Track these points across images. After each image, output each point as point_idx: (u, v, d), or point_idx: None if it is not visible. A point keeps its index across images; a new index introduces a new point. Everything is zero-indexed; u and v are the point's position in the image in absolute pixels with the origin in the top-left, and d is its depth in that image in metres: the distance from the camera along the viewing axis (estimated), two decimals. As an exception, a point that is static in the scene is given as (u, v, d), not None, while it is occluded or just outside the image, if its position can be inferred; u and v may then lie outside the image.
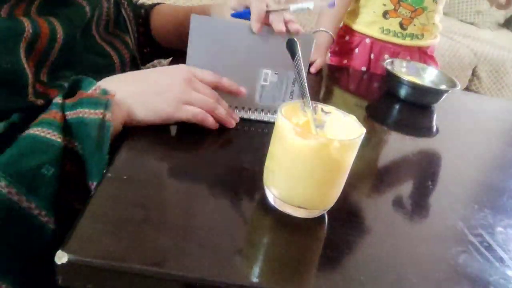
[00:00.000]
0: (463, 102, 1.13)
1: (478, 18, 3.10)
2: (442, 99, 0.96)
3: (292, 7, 0.73)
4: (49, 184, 0.49)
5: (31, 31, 0.55)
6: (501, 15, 3.12)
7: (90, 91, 0.56)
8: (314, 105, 0.53)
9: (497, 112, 1.15)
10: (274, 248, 0.47)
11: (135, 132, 0.60)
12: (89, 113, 0.53)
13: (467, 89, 2.68)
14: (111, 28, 0.76)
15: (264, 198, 0.52)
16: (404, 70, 1.05)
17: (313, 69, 1.07)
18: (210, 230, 0.46)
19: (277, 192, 0.50)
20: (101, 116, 0.53)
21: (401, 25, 1.24)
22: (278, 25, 0.67)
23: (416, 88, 0.96)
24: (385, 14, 1.23)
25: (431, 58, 1.34)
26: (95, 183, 0.51)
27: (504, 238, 0.56)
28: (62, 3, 0.62)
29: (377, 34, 1.26)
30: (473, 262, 0.50)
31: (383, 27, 1.25)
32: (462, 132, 0.93)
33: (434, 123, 0.93)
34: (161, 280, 0.40)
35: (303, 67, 0.55)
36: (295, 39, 0.57)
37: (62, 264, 0.38)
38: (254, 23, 0.67)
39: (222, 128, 0.66)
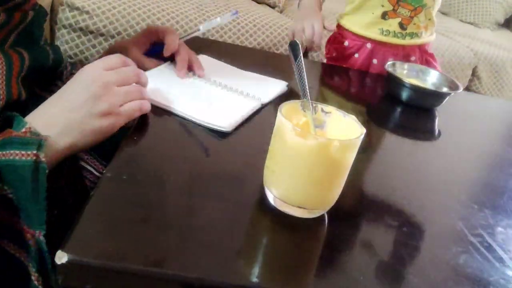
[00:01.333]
0: (463, 103, 1.13)
1: (478, 18, 3.10)
2: (444, 101, 0.96)
3: (202, 26, 0.79)
4: None
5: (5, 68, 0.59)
6: (501, 15, 3.12)
7: (23, 130, 0.52)
8: (314, 105, 0.53)
9: (497, 112, 1.15)
10: (274, 248, 0.47)
11: (135, 132, 0.60)
12: (20, 155, 0.49)
13: (467, 89, 2.68)
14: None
15: (264, 198, 0.52)
16: (405, 72, 1.05)
17: (331, 28, 1.06)
18: (210, 230, 0.46)
19: (277, 192, 0.50)
20: (34, 158, 0.48)
21: (401, 25, 1.22)
22: (180, 66, 0.76)
23: (418, 91, 0.95)
24: (384, 15, 1.21)
25: (431, 56, 1.32)
26: (37, 232, 0.47)
27: (504, 238, 0.56)
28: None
29: (375, 35, 1.23)
30: (473, 262, 0.50)
31: (382, 28, 1.22)
32: (463, 133, 0.93)
33: (436, 125, 0.93)
34: (161, 280, 0.40)
35: (304, 68, 0.56)
36: (297, 42, 0.57)
37: (62, 264, 0.38)
38: (179, 72, 0.76)
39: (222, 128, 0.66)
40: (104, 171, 0.51)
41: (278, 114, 0.48)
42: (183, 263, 0.41)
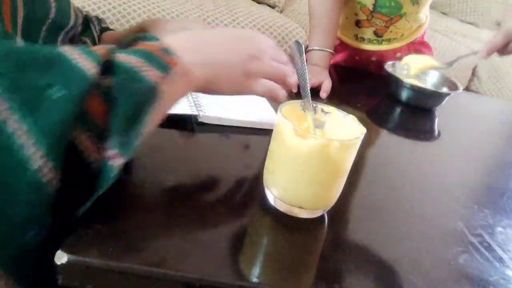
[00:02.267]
0: (463, 103, 1.13)
1: (478, 18, 3.10)
2: (444, 102, 0.96)
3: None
4: (55, 110, 0.35)
5: None
6: (501, 15, 3.12)
7: (152, 42, 0.45)
8: (314, 105, 0.53)
9: (497, 113, 1.15)
10: (274, 248, 0.47)
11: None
12: (144, 68, 0.41)
13: (467, 89, 2.68)
14: (76, 40, 0.73)
15: (264, 198, 0.52)
16: (405, 72, 1.05)
17: (323, 94, 0.91)
18: (210, 230, 0.46)
19: (277, 192, 0.50)
20: (155, 80, 0.41)
21: (376, 34, 1.14)
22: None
23: (417, 91, 0.95)
24: (357, 23, 1.14)
25: (422, 44, 1.21)
26: (112, 153, 0.39)
27: (504, 238, 0.56)
28: None
29: (351, 40, 1.17)
30: (473, 262, 0.50)
31: (357, 35, 1.16)
32: (462, 132, 0.93)
33: (435, 125, 0.93)
34: (161, 280, 0.40)
35: (305, 69, 0.56)
36: (300, 42, 0.57)
37: (62, 264, 0.38)
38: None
39: (223, 128, 0.66)
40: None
41: (278, 114, 0.48)
42: (183, 263, 0.41)
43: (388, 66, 1.02)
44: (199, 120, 0.65)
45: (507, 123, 1.09)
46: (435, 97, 0.96)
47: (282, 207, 0.50)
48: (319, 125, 0.53)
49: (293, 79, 0.58)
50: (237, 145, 0.64)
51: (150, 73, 0.41)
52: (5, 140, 0.34)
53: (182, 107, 0.66)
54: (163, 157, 0.58)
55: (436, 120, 0.94)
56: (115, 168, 0.39)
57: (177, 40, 0.48)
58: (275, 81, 0.57)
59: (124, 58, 0.41)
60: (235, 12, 2.10)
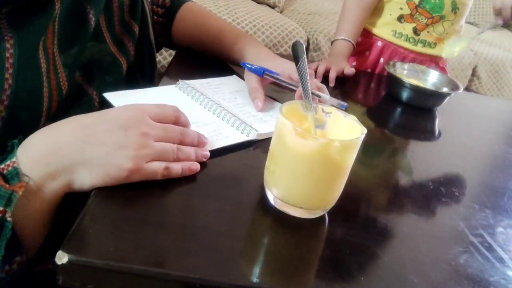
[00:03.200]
0: (463, 103, 1.13)
1: (478, 18, 3.10)
2: (444, 102, 0.96)
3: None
4: None
5: (47, 85, 0.54)
6: (501, 15, 3.12)
7: (2, 166, 0.45)
8: (314, 105, 0.53)
9: (497, 112, 1.15)
10: (274, 248, 0.47)
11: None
12: None
13: (467, 89, 2.68)
14: (127, 17, 0.75)
15: (264, 198, 0.52)
16: (405, 72, 1.05)
17: (350, 70, 1.03)
18: (210, 230, 0.46)
19: (277, 192, 0.50)
20: None
21: (415, 31, 1.21)
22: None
23: (418, 91, 0.95)
24: (400, 18, 1.21)
25: (443, 70, 1.30)
26: None
27: (504, 238, 0.56)
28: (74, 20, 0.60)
29: (388, 36, 1.23)
30: (473, 262, 0.50)
31: (395, 30, 1.22)
32: (463, 133, 0.93)
33: (436, 125, 0.93)
34: (161, 280, 0.40)
35: (306, 69, 0.56)
36: (301, 42, 0.57)
37: (62, 264, 0.38)
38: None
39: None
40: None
41: (279, 114, 0.48)
42: (183, 263, 0.41)
43: (389, 66, 1.02)
44: (257, 139, 0.64)
45: (507, 123, 1.09)
46: (436, 97, 0.96)
47: (282, 207, 0.50)
48: (319, 125, 0.53)
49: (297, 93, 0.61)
50: (237, 144, 0.64)
51: None
52: None
53: (234, 136, 0.64)
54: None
55: (437, 120, 0.94)
56: None
57: (31, 151, 0.46)
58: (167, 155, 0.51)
59: None
60: (235, 12, 2.10)
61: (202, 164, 0.56)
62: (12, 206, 0.43)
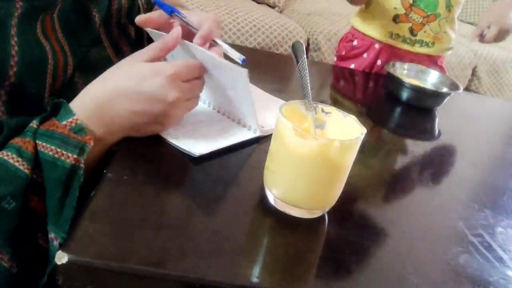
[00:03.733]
0: (463, 103, 1.13)
1: (478, 18, 3.10)
2: (444, 102, 0.96)
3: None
4: (9, 219, 0.45)
5: (52, 62, 0.56)
6: (501, 15, 3.12)
7: (64, 122, 0.50)
8: (314, 105, 0.53)
9: (497, 112, 1.15)
10: (274, 248, 0.47)
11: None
12: (60, 154, 0.48)
13: (467, 89, 2.68)
14: (123, 19, 0.75)
15: (264, 198, 0.52)
16: (405, 72, 1.05)
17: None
18: (210, 230, 0.46)
19: (277, 192, 0.50)
20: (73, 162, 0.48)
21: (411, 31, 1.20)
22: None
23: (417, 91, 0.95)
24: (395, 18, 1.20)
25: (441, 68, 1.30)
26: (53, 236, 0.46)
27: (504, 238, 0.56)
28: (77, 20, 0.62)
29: (385, 38, 1.22)
30: (473, 262, 0.50)
31: (392, 32, 1.22)
32: (463, 133, 0.93)
33: (436, 125, 0.93)
34: (161, 280, 0.40)
35: (306, 69, 0.56)
36: (301, 42, 0.57)
37: (62, 264, 0.38)
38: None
39: (222, 128, 0.66)
40: (105, 171, 0.51)
41: (278, 114, 0.48)
42: (183, 263, 0.41)
43: (388, 66, 1.02)
44: (262, 134, 0.65)
45: (507, 123, 1.09)
46: (436, 97, 0.96)
47: (282, 207, 0.50)
48: (319, 125, 0.53)
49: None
50: (237, 144, 0.64)
51: (68, 159, 0.48)
52: None
53: (241, 134, 0.64)
54: (163, 158, 0.58)
55: (436, 120, 0.94)
56: (57, 247, 0.46)
57: (85, 111, 0.53)
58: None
59: (45, 147, 0.48)
60: (235, 12, 2.10)
61: (202, 164, 0.56)
62: (85, 155, 0.49)
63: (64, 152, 0.48)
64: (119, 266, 0.39)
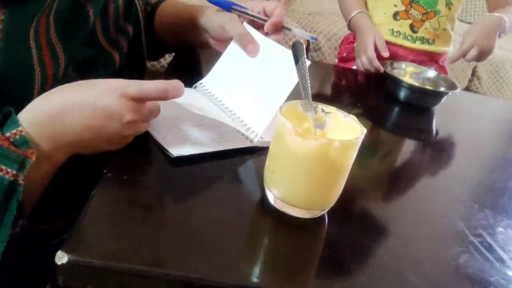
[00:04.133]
0: (463, 103, 1.13)
1: (478, 18, 3.10)
2: (442, 101, 0.96)
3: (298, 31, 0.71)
4: None
5: (40, 78, 0.54)
6: (501, 15, 3.12)
7: (8, 134, 0.46)
8: (314, 105, 0.53)
9: (497, 112, 1.15)
10: (274, 248, 0.47)
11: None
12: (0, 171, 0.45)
13: (467, 89, 2.68)
14: (122, 21, 0.74)
15: (264, 198, 0.52)
16: (403, 71, 1.05)
17: (385, 54, 1.10)
18: (210, 230, 0.46)
19: (277, 192, 0.50)
20: (11, 178, 0.44)
21: (412, 28, 1.22)
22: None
23: (415, 91, 0.95)
24: (395, 15, 1.21)
25: (442, 68, 1.30)
26: None
27: (504, 238, 0.56)
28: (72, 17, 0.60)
29: (386, 36, 1.22)
30: (473, 262, 0.50)
31: (393, 29, 1.23)
32: (462, 132, 0.93)
33: (433, 124, 0.93)
34: (161, 280, 0.40)
35: (306, 69, 0.55)
36: (301, 42, 0.57)
37: (62, 264, 0.38)
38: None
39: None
40: (105, 171, 0.51)
41: (278, 114, 0.48)
42: (183, 263, 0.41)
43: (386, 66, 1.02)
44: (258, 145, 0.63)
45: (507, 123, 1.09)
46: (433, 96, 0.96)
47: (282, 207, 0.50)
48: (319, 125, 0.53)
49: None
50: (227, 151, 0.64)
51: (7, 174, 0.45)
52: None
53: (236, 143, 0.62)
54: (163, 158, 0.58)
55: (435, 120, 0.94)
56: None
57: (33, 122, 0.48)
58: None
59: None
60: (235, 12, 2.10)
61: (202, 165, 0.56)
62: (25, 170, 0.45)
63: (3, 167, 0.45)
64: (119, 266, 0.39)
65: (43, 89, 0.56)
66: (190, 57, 0.94)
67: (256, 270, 0.43)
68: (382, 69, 1.03)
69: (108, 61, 0.71)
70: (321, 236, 0.50)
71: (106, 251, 0.40)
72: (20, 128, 0.47)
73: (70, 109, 0.50)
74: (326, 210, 0.51)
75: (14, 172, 0.45)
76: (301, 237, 0.48)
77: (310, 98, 0.53)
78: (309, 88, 0.54)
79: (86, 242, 0.41)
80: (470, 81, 2.70)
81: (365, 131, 0.48)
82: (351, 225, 0.52)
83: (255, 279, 0.41)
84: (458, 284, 0.47)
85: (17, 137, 0.46)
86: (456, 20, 1.25)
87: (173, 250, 0.42)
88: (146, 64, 0.86)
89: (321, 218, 0.51)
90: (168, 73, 0.83)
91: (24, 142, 0.46)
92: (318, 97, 0.93)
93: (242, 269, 0.43)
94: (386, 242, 0.51)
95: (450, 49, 1.30)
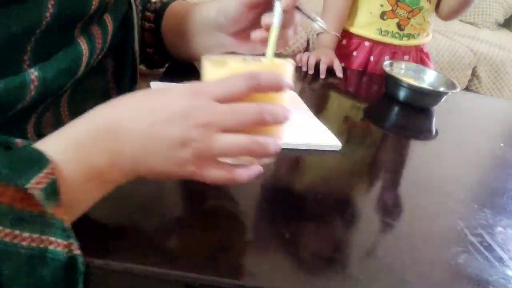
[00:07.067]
0: (463, 103, 1.13)
1: (478, 18, 3.10)
2: (441, 101, 0.96)
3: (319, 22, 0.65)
4: None
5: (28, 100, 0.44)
6: (501, 15, 3.12)
7: (35, 180, 0.33)
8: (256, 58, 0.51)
9: (496, 112, 1.15)
10: (274, 248, 0.47)
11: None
12: (32, 240, 0.32)
13: (466, 89, 2.68)
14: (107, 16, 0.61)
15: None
16: (402, 72, 1.05)
17: (340, 74, 1.04)
18: (210, 230, 0.46)
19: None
20: (66, 250, 0.33)
21: (399, 26, 1.25)
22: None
23: (415, 91, 0.95)
24: (382, 15, 1.24)
25: (426, 55, 1.36)
26: None
27: (504, 238, 0.56)
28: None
29: (374, 35, 1.26)
30: (473, 262, 0.50)
31: (380, 28, 1.26)
32: (461, 132, 0.93)
33: (433, 124, 0.93)
34: (161, 280, 0.40)
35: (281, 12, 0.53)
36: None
37: (62, 264, 0.38)
38: None
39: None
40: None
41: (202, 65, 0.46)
42: (183, 263, 0.41)
43: (386, 66, 1.02)
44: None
45: (507, 123, 1.09)
46: (432, 96, 0.96)
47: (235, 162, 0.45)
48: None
49: (278, 118, 0.43)
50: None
51: (58, 246, 0.33)
52: None
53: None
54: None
55: (434, 120, 0.94)
56: None
57: (82, 163, 0.38)
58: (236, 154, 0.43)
59: (9, 235, 0.32)
60: (235, 12, 2.09)
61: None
62: (73, 237, 0.35)
63: (52, 238, 0.33)
64: (119, 266, 0.40)
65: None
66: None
67: (256, 270, 0.43)
68: (323, 75, 1.02)
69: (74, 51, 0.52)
70: (321, 235, 0.50)
71: (106, 251, 0.40)
72: (49, 170, 0.34)
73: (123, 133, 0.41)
74: (279, 149, 0.44)
75: (65, 242, 0.34)
76: (301, 237, 0.48)
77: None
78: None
79: (86, 242, 0.41)
80: (470, 81, 2.70)
81: (292, 62, 0.47)
82: (351, 225, 0.52)
83: (255, 279, 0.41)
84: (457, 284, 0.47)
85: (46, 184, 0.34)
86: (432, 12, 1.31)
87: (174, 250, 0.42)
88: (137, 82, 0.72)
89: (321, 218, 0.51)
90: (167, 74, 0.83)
91: (53, 191, 0.34)
92: (317, 96, 0.93)
93: (242, 269, 0.43)
94: (385, 242, 0.51)
95: (430, 37, 1.35)
